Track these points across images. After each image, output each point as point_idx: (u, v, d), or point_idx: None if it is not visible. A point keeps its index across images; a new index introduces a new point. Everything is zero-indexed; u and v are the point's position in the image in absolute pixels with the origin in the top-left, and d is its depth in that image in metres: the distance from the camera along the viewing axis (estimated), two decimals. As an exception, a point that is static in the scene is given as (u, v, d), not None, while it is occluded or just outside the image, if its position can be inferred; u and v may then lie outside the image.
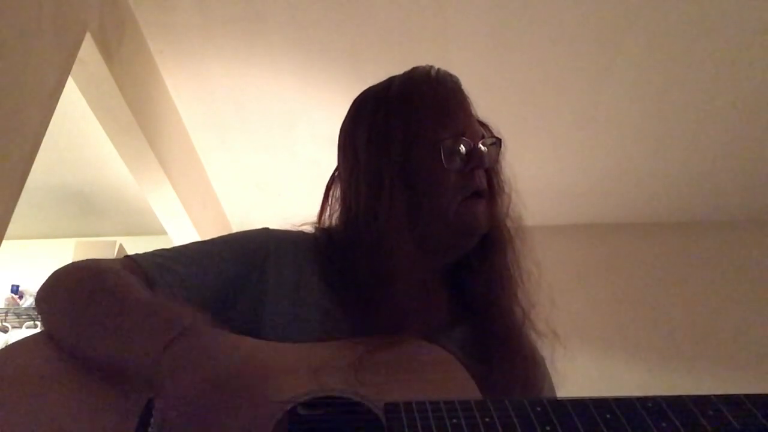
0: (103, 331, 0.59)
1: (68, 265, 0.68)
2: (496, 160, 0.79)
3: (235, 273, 0.71)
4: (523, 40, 2.32)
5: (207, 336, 0.56)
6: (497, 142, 0.79)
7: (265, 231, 0.77)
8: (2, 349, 0.63)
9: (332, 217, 0.81)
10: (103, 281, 0.64)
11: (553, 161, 3.05)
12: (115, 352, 0.58)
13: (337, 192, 0.82)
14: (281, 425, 0.54)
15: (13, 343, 0.63)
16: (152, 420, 0.53)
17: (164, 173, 2.55)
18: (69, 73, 1.74)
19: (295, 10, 2.21)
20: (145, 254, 0.72)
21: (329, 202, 0.83)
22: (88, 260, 0.68)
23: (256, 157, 3.08)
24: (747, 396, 0.50)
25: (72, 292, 0.64)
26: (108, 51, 1.96)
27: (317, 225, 0.82)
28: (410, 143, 0.75)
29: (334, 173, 0.84)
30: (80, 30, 1.77)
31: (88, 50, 1.85)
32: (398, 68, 0.84)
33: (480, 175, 0.76)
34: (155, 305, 0.60)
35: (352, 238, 0.74)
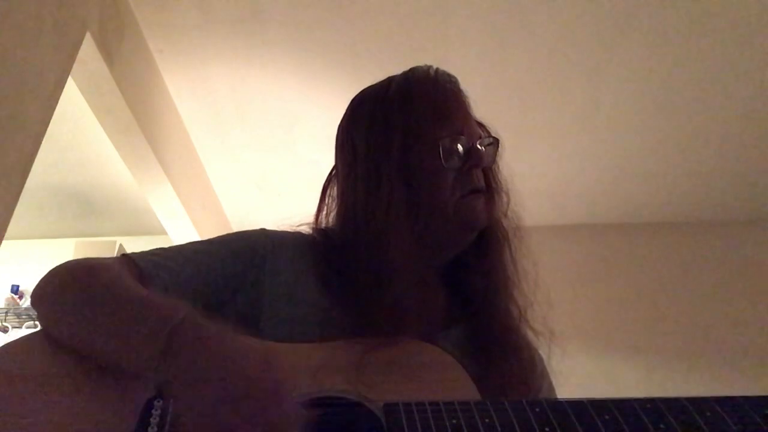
0: (100, 329, 0.59)
1: (62, 264, 0.68)
2: (493, 160, 0.80)
3: (231, 272, 0.71)
4: (523, 40, 2.32)
5: (201, 336, 0.55)
6: (495, 143, 0.79)
7: (262, 231, 0.77)
8: (1, 347, 0.62)
9: (329, 217, 0.81)
10: (98, 279, 0.64)
11: (553, 161, 3.05)
12: (113, 350, 0.57)
13: (334, 191, 0.82)
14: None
15: (12, 342, 0.63)
16: (152, 420, 0.53)
17: (164, 173, 2.55)
18: (69, 73, 1.74)
19: (295, 10, 2.21)
20: (142, 252, 0.72)
21: (326, 202, 0.83)
22: (82, 259, 0.68)
23: (256, 157, 3.08)
24: (744, 397, 0.50)
25: (67, 290, 0.64)
26: (108, 51, 1.97)
27: (314, 225, 0.82)
28: (409, 142, 0.75)
29: (331, 173, 0.85)
30: (80, 30, 1.77)
31: (88, 50, 1.86)
32: (398, 68, 0.84)
33: (478, 174, 0.76)
34: (149, 301, 0.60)
35: (350, 238, 0.74)
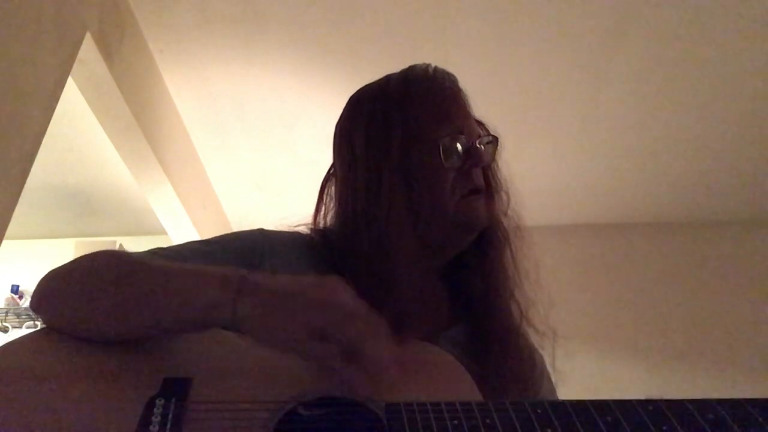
0: (156, 294, 0.59)
1: (76, 259, 0.66)
2: (493, 158, 0.80)
3: None
4: (523, 41, 2.32)
5: (270, 276, 0.58)
6: (494, 141, 0.79)
7: (260, 232, 0.77)
8: (2, 346, 0.62)
9: (327, 217, 0.81)
10: (130, 259, 0.63)
11: (553, 161, 3.05)
12: (173, 309, 0.58)
13: (332, 191, 0.82)
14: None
15: (13, 340, 0.63)
16: (153, 418, 0.53)
17: (164, 173, 2.55)
18: (69, 73, 1.74)
19: (295, 10, 2.21)
20: (141, 252, 0.71)
21: (324, 202, 0.82)
22: (96, 251, 0.67)
23: (256, 157, 3.08)
24: (747, 399, 0.50)
25: (99, 271, 0.63)
26: (108, 51, 1.96)
27: (312, 225, 0.81)
28: (409, 141, 0.75)
29: (329, 171, 0.84)
30: (80, 30, 1.77)
31: (88, 50, 1.85)
32: (398, 68, 0.84)
33: (477, 173, 0.76)
34: (202, 266, 0.62)
35: (350, 238, 0.74)
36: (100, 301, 0.61)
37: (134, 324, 0.59)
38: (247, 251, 0.73)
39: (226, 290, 0.56)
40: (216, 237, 0.77)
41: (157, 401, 0.55)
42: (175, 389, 0.56)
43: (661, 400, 0.51)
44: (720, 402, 0.50)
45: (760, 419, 0.48)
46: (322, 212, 0.82)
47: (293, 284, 0.55)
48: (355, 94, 0.84)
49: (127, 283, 0.60)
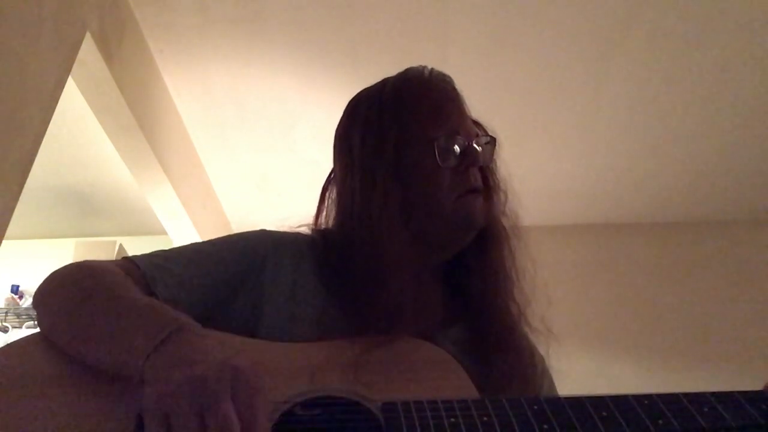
0: (97, 332, 0.59)
1: (65, 266, 0.68)
2: (490, 158, 0.80)
3: (232, 273, 0.71)
4: (523, 40, 2.32)
5: (198, 336, 0.56)
6: (491, 141, 0.79)
7: (262, 232, 0.78)
8: (1, 348, 0.62)
9: (328, 219, 0.82)
10: (99, 282, 0.64)
11: (553, 161, 3.05)
12: (108, 352, 0.57)
13: (333, 194, 0.83)
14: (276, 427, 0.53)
15: (10, 344, 0.63)
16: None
17: (164, 173, 2.55)
18: (69, 73, 1.74)
19: (295, 10, 2.21)
20: (144, 255, 0.72)
21: (325, 204, 0.83)
22: (84, 261, 0.68)
23: (256, 157, 3.09)
24: (741, 392, 0.50)
25: (68, 293, 0.64)
26: (108, 51, 1.97)
27: (313, 226, 0.82)
28: (404, 143, 0.75)
29: (330, 175, 0.85)
30: (80, 30, 1.77)
31: (88, 50, 1.86)
32: (398, 68, 0.84)
33: (475, 173, 0.76)
34: (148, 307, 0.60)
35: (347, 238, 0.74)
36: (60, 317, 0.63)
37: (72, 349, 0.60)
38: (250, 252, 0.73)
39: (150, 339, 0.55)
40: (219, 238, 0.77)
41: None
42: None
43: (656, 395, 0.51)
44: (714, 395, 0.51)
45: (754, 411, 0.48)
46: (324, 214, 0.83)
47: (198, 350, 0.53)
48: (353, 98, 0.85)
49: (80, 308, 0.62)
